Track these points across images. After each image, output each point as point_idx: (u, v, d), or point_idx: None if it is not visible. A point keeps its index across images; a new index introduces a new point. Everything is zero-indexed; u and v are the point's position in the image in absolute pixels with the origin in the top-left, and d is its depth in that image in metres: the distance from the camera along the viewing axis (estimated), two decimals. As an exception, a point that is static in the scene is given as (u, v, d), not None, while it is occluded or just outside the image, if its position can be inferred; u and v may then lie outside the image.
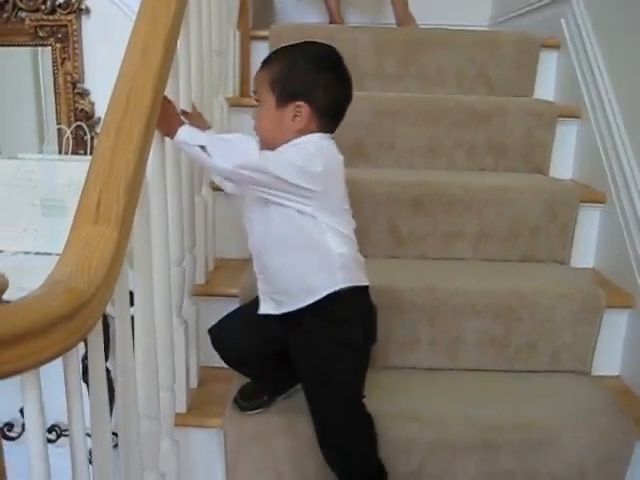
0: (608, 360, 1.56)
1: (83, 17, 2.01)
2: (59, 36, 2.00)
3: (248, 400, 1.33)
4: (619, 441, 1.33)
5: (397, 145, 1.86)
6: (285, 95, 1.12)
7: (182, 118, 1.21)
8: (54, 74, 2.05)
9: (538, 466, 1.33)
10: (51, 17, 1.98)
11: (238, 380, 1.39)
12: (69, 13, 1.97)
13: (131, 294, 0.99)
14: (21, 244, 1.84)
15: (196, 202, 1.44)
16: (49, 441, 2.01)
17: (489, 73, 2.09)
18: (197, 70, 1.40)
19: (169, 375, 1.21)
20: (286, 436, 1.31)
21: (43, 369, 0.71)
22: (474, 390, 1.43)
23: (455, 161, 1.88)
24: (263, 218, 1.15)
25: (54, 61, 2.03)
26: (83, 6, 1.99)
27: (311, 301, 1.13)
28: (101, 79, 2.02)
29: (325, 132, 1.16)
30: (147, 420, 1.09)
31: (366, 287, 1.19)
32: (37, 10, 1.98)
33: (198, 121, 1.33)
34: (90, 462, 0.85)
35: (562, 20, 2.07)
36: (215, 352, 1.37)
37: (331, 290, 1.13)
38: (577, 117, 1.89)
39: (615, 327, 1.55)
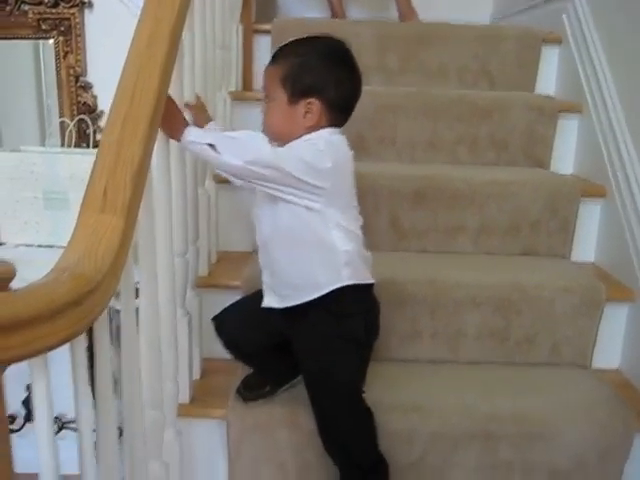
0: (608, 353, 1.57)
1: (86, 10, 2.01)
2: (62, 29, 2.00)
3: (251, 390, 1.34)
4: (619, 434, 1.34)
5: (398, 139, 1.87)
6: (297, 91, 1.11)
7: (186, 111, 1.22)
8: (57, 67, 2.05)
9: (538, 458, 1.34)
10: (54, 10, 1.99)
11: (241, 372, 1.40)
12: (72, 6, 1.98)
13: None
14: (23, 237, 1.86)
15: (199, 194, 1.45)
16: (51, 433, 2.03)
17: (491, 68, 2.09)
18: (201, 63, 1.40)
19: (173, 366, 1.22)
20: (288, 427, 1.32)
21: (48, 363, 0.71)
22: (474, 382, 1.44)
23: (456, 156, 1.89)
24: (271, 213, 1.15)
25: (57, 54, 2.04)
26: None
27: (315, 296, 1.14)
28: (104, 72, 2.01)
29: (335, 126, 1.16)
30: (151, 410, 1.10)
31: (371, 284, 1.20)
32: (40, 3, 1.99)
33: (201, 113, 1.34)
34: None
35: (564, 16, 2.07)
36: (217, 344, 1.38)
37: (335, 287, 1.14)
38: (578, 112, 1.90)
39: (615, 321, 1.55)
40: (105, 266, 0.79)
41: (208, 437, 1.38)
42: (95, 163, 0.90)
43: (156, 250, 1.07)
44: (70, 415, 2.04)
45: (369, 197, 1.62)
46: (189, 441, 1.35)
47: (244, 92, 1.98)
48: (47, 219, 1.84)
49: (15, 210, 1.84)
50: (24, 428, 2.00)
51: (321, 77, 1.12)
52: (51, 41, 2.04)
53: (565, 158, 1.93)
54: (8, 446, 0.69)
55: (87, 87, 2.05)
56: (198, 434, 1.38)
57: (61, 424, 2.07)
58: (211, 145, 1.07)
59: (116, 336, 1.00)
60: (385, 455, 1.27)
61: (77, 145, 2.04)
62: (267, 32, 2.09)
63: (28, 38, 2.05)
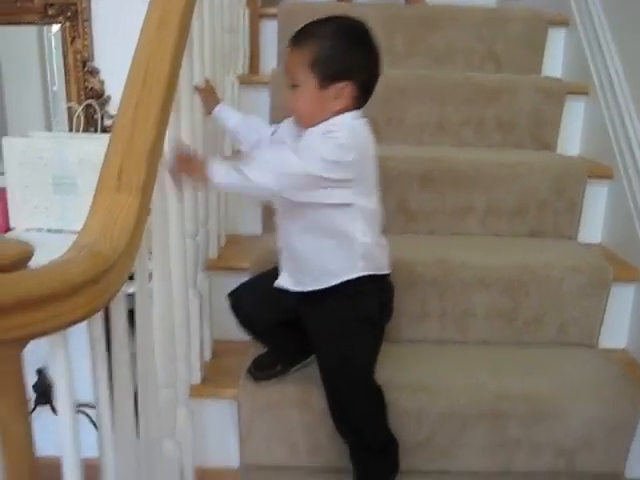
0: (615, 333, 1.58)
1: (92, -5, 2.01)
2: (68, 14, 2.00)
3: (261, 370, 1.35)
4: (626, 412, 1.36)
5: (406, 122, 1.87)
6: (328, 76, 1.10)
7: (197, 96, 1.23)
8: (64, 52, 2.05)
9: (545, 437, 1.36)
10: (61, -5, 1.98)
11: (252, 352, 1.41)
12: (78, -9, 1.97)
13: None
14: (33, 221, 1.87)
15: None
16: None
17: (497, 50, 2.09)
18: (210, 47, 1.41)
19: (185, 346, 1.24)
20: (299, 406, 1.34)
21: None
22: (483, 362, 1.45)
23: (463, 138, 1.89)
24: (294, 207, 1.15)
25: (63, 39, 2.04)
26: (92, -16, 1.99)
27: (330, 284, 1.16)
28: (111, 57, 2.02)
29: (358, 108, 1.15)
30: (164, 388, 1.12)
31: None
32: (46, -12, 1.98)
33: (211, 95, 1.34)
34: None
35: (571, -3, 2.07)
36: (227, 326, 1.40)
37: (351, 277, 1.16)
38: (585, 94, 1.90)
39: (622, 301, 1.57)
40: (121, 245, 0.80)
41: (219, 417, 1.40)
42: (109, 145, 0.90)
43: (169, 231, 1.08)
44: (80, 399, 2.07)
45: (379, 179, 1.63)
46: (201, 421, 1.37)
47: (251, 75, 1.98)
48: (56, 204, 1.85)
49: (25, 195, 1.85)
50: (35, 412, 2.02)
51: (351, 60, 1.11)
52: (55, 26, 2.04)
53: (572, 140, 1.94)
54: (29, 426, 0.71)
55: (94, 72, 2.05)
56: (210, 414, 1.40)
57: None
58: (240, 174, 1.06)
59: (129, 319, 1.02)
60: (395, 435, 1.29)
61: (85, 130, 2.04)
62: (273, 16, 2.09)
63: (34, 24, 2.05)
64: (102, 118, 2.05)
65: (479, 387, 1.36)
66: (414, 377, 1.38)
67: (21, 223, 1.86)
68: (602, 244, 1.75)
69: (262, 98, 1.85)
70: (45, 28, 2.08)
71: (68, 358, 0.73)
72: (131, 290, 0.98)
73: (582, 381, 1.40)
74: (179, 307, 1.18)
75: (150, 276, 1.03)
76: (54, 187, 1.84)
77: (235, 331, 1.52)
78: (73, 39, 2.03)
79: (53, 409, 2.00)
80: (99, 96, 2.06)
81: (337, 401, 1.23)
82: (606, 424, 1.36)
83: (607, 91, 1.79)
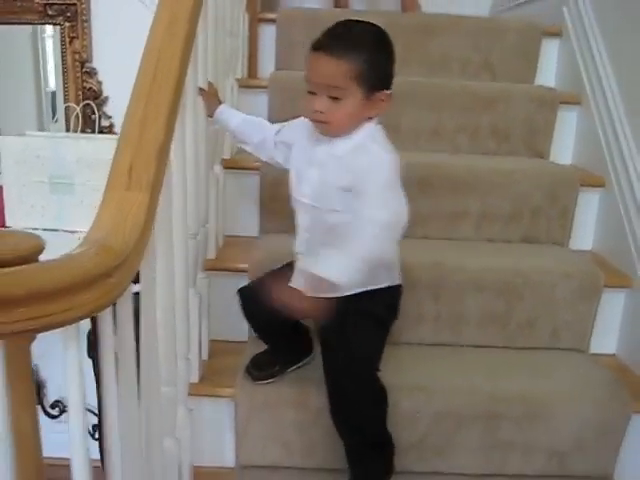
0: (605, 339, 1.61)
1: (92, -4, 2.02)
2: (68, 15, 2.01)
3: (260, 369, 1.36)
4: (617, 415, 1.38)
5: (403, 128, 1.89)
6: (373, 87, 1.10)
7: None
8: (62, 53, 2.06)
9: (538, 438, 1.38)
10: (61, -5, 1.99)
11: (247, 353, 1.43)
12: (78, -8, 1.99)
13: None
14: (29, 220, 1.87)
15: (209, 177, 1.47)
16: (52, 417, 2.05)
17: (492, 60, 2.12)
18: (213, 50, 1.42)
19: (185, 344, 1.25)
20: (296, 407, 1.35)
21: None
22: (477, 365, 1.47)
23: (459, 145, 1.92)
24: (329, 219, 1.16)
25: (62, 40, 2.04)
26: (92, -15, 2.00)
27: (347, 293, 1.15)
28: (109, 58, 2.04)
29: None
30: (166, 387, 1.13)
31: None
32: (47, -12, 1.99)
33: (213, 98, 1.36)
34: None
35: (564, 8, 2.11)
36: (223, 326, 1.41)
37: (374, 288, 1.19)
38: (578, 103, 1.93)
39: (612, 307, 1.60)
40: (132, 241, 0.81)
41: (216, 416, 1.41)
42: (119, 142, 0.92)
43: (172, 229, 1.09)
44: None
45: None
46: (197, 419, 1.37)
47: (249, 79, 2.00)
48: (53, 203, 1.85)
49: (21, 194, 1.85)
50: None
51: (389, 69, 1.13)
52: (48, 27, 2.05)
53: (564, 149, 1.97)
54: (37, 421, 0.72)
55: (92, 73, 2.06)
56: (206, 413, 1.40)
57: (63, 407, 2.08)
58: (352, 262, 1.06)
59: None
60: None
61: (82, 131, 2.05)
62: (272, 21, 2.11)
63: (34, 23, 2.06)
64: (99, 119, 2.06)
65: (474, 388, 1.38)
66: (410, 379, 1.39)
67: (17, 222, 1.86)
68: (593, 251, 1.78)
69: (260, 102, 1.88)
70: (39, 28, 2.09)
71: (81, 351, 0.74)
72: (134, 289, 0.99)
73: (575, 385, 1.43)
74: (180, 306, 1.19)
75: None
76: (51, 186, 1.85)
77: (230, 331, 1.55)
78: (72, 40, 2.03)
79: (44, 410, 2.00)
80: (97, 97, 2.07)
81: (339, 397, 1.23)
82: (597, 427, 1.38)
83: (599, 101, 1.82)
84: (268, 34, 2.11)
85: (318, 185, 1.16)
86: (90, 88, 2.06)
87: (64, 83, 2.08)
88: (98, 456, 0.93)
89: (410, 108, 1.88)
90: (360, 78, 1.07)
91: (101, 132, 2.06)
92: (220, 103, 1.38)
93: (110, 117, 2.08)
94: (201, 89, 1.30)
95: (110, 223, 0.82)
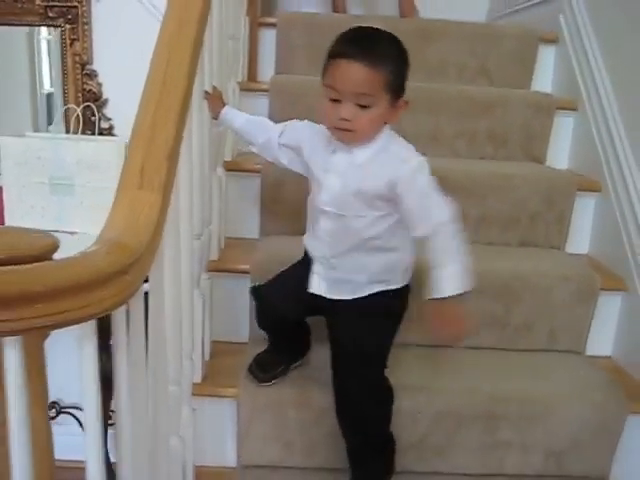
0: (601, 341, 1.64)
1: (93, -1, 2.03)
2: (69, 17, 2.01)
3: (265, 371, 1.36)
4: (613, 415, 1.41)
5: (401, 133, 1.90)
6: (397, 94, 1.10)
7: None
8: (62, 55, 2.06)
9: (535, 438, 1.40)
10: (62, -2, 2.00)
11: (249, 353, 1.44)
12: (80, -6, 1.99)
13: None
14: (29, 221, 1.87)
15: (212, 179, 1.48)
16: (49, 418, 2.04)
17: (489, 65, 2.15)
18: (217, 53, 1.43)
19: (189, 344, 1.26)
20: (297, 406, 1.36)
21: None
22: (476, 366, 1.49)
23: (456, 149, 1.94)
24: (356, 225, 1.16)
25: (63, 42, 2.05)
26: (93, -12, 2.01)
27: (368, 293, 1.19)
28: (109, 61, 2.05)
29: None
30: (172, 386, 1.13)
31: None
32: (48, -10, 2.00)
33: (218, 100, 1.37)
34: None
35: (560, 16, 2.14)
36: (224, 327, 1.42)
37: (392, 287, 1.21)
38: (574, 109, 1.96)
39: (608, 310, 1.62)
40: (145, 240, 0.82)
41: (218, 415, 1.42)
42: (130, 143, 0.93)
43: (179, 230, 1.11)
44: (68, 401, 2.07)
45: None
46: (200, 419, 1.38)
47: (250, 83, 2.02)
48: (53, 204, 1.85)
49: (21, 195, 1.86)
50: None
51: (406, 77, 1.12)
52: (44, 29, 2.06)
53: (561, 154, 1.99)
54: (48, 420, 0.73)
55: (93, 75, 2.06)
56: (208, 412, 1.41)
57: (59, 409, 2.08)
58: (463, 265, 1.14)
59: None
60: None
61: (82, 132, 2.06)
62: (272, 25, 2.13)
63: (34, 25, 2.06)
64: (99, 120, 2.07)
65: (474, 388, 1.40)
66: (410, 379, 1.41)
67: (17, 223, 1.86)
68: (589, 255, 1.81)
69: (261, 105, 1.89)
70: (36, 29, 2.10)
71: (96, 349, 0.75)
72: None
73: (572, 386, 1.45)
74: (186, 305, 1.20)
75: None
76: (51, 187, 1.85)
77: (231, 332, 1.56)
78: (72, 42, 2.04)
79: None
80: (97, 99, 2.08)
81: (344, 395, 1.24)
82: (594, 428, 1.40)
83: (595, 106, 1.85)
84: (268, 38, 2.13)
85: (339, 194, 1.15)
86: (90, 90, 2.06)
87: (64, 85, 2.09)
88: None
89: (408, 112, 1.89)
90: (388, 86, 1.07)
91: (101, 134, 2.07)
92: (224, 105, 1.39)
93: (110, 119, 2.09)
94: (206, 92, 1.32)
95: (123, 222, 0.83)
